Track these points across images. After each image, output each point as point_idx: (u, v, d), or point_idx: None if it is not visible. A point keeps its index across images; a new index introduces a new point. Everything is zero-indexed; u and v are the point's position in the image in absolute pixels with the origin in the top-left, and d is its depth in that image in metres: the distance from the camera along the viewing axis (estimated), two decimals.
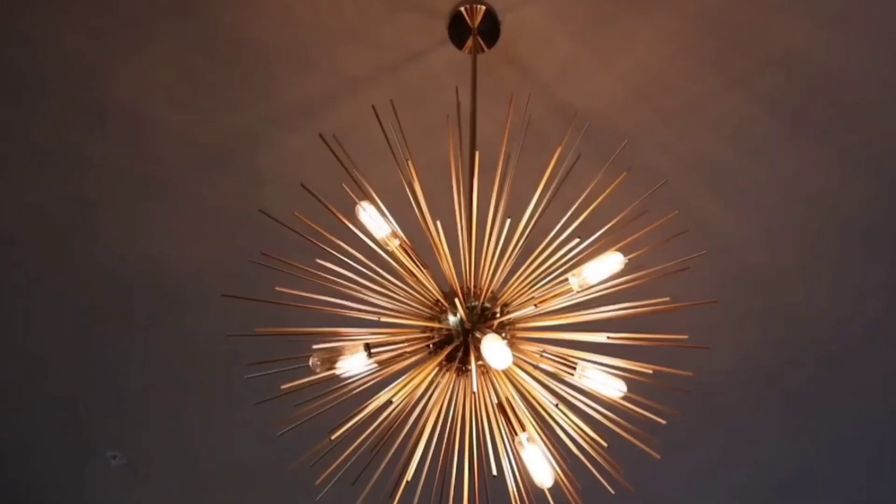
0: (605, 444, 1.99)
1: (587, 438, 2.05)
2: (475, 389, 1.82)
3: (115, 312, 3.56)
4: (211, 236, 3.22)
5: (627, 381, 2.06)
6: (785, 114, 2.77)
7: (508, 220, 1.88)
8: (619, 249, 1.98)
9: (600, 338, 1.97)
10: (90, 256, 3.34)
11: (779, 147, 2.86)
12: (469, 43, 2.58)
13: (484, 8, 2.53)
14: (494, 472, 1.97)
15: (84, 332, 3.67)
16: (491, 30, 2.57)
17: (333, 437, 1.93)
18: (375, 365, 2.00)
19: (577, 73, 2.70)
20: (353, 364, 1.96)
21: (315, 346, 1.89)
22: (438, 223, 1.89)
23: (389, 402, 1.97)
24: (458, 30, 2.59)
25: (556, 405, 1.95)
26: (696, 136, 2.85)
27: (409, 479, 1.94)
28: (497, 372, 2.02)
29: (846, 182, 2.95)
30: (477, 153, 1.91)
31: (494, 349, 1.80)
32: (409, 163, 1.92)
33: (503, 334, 1.97)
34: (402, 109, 2.06)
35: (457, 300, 1.90)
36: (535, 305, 1.91)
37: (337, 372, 1.98)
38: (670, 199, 2.93)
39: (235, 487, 4.62)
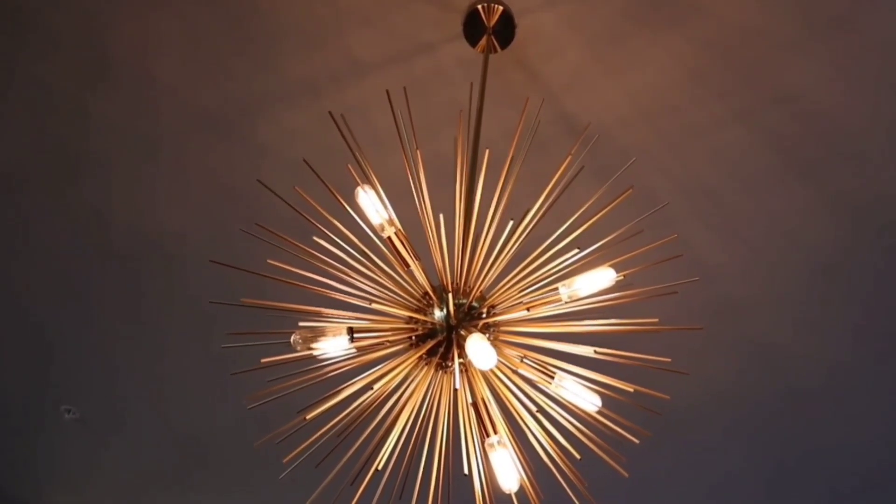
0: (577, 457, 2.00)
1: (557, 449, 2.05)
2: (457, 386, 1.82)
3: (91, 263, 3.49)
4: (201, 202, 3.18)
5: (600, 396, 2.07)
6: (782, 152, 2.80)
7: (511, 222, 1.87)
8: (611, 266, 1.99)
9: (587, 351, 1.98)
10: (75, 205, 3.27)
11: (771, 183, 2.89)
12: (483, 41, 2.57)
13: (501, 8, 2.53)
14: (465, 470, 1.96)
15: (60, 280, 3.59)
16: (505, 31, 2.57)
17: (308, 417, 1.91)
18: (354, 350, 1.98)
19: (584, 84, 2.71)
20: (333, 346, 1.94)
21: (302, 324, 1.87)
22: (441, 216, 1.88)
23: (366, 388, 1.96)
24: (472, 27, 2.58)
25: (537, 411, 1.95)
26: (693, 162, 2.87)
27: (380, 467, 1.94)
28: (475, 372, 2.01)
29: (829, 226, 2.99)
30: (487, 151, 1.91)
31: (479, 349, 1.80)
32: (418, 152, 1.90)
33: (487, 335, 1.96)
34: (403, 103, 2.04)
35: (447, 295, 1.90)
36: (528, 309, 1.91)
37: (315, 353, 1.96)
38: (660, 221, 2.95)
39: (192, 453, 4.55)
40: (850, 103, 2.65)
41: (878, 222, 2.96)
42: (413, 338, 2.01)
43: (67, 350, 3.96)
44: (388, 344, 1.99)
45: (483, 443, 2.01)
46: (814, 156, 2.80)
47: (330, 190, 1.95)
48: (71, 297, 3.67)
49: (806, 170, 2.84)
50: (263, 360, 1.93)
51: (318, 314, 1.96)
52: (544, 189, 2.00)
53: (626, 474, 2.06)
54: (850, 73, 2.58)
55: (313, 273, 2.02)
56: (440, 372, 2.04)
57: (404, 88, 2.06)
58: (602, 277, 1.99)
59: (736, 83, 2.66)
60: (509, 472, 1.99)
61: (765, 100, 2.68)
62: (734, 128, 2.76)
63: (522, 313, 1.94)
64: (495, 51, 2.60)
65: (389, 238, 1.97)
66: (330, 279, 2.01)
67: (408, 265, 1.94)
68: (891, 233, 2.99)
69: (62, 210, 3.29)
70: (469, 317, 2.01)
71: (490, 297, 2.05)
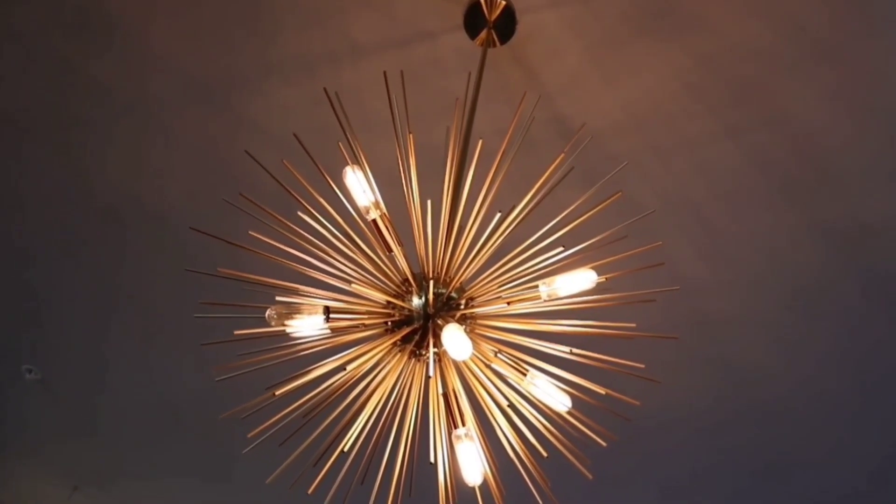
0: (544, 455, 1.99)
1: (523, 447, 2.05)
2: (431, 374, 1.80)
3: (70, 223, 3.43)
4: (184, 171, 3.14)
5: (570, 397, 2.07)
6: (769, 172, 2.82)
7: (498, 215, 1.86)
8: (593, 268, 1.98)
9: (563, 350, 1.97)
10: (60, 162, 3.21)
11: (755, 202, 2.91)
12: (482, 35, 2.56)
13: (504, 3, 2.52)
14: (432, 459, 1.95)
15: (33, 237, 3.53)
16: (506, 26, 2.56)
17: (277, 393, 1.89)
18: (328, 331, 1.96)
19: (579, 87, 2.71)
20: (307, 324, 1.92)
21: (279, 299, 1.85)
22: (429, 201, 1.87)
23: (337, 370, 1.94)
24: (473, 19, 2.57)
25: (508, 406, 1.94)
26: (681, 175, 2.88)
27: (346, 449, 1.92)
28: (449, 362, 2.00)
29: (809, 249, 3.02)
30: (480, 141, 1.89)
31: (456, 339, 1.79)
32: (410, 137, 1.89)
33: (464, 327, 1.95)
34: (399, 87, 2.02)
35: (428, 283, 1.88)
36: (508, 304, 1.90)
37: (288, 329, 1.94)
38: (643, 229, 2.95)
39: (148, 420, 4.50)
40: (838, 129, 2.68)
41: (857, 249, 2.99)
42: (389, 323, 2.00)
43: (34, 308, 3.89)
44: (364, 327, 1.97)
45: (450, 434, 2.01)
46: (799, 178, 2.82)
47: (318, 167, 1.94)
48: (42, 255, 3.60)
49: (790, 192, 2.86)
50: (237, 332, 1.90)
51: (296, 290, 1.94)
52: (529, 187, 2.00)
53: (590, 476, 2.06)
54: (840, 100, 2.61)
55: (294, 249, 2.00)
56: (413, 360, 2.02)
57: (401, 72, 2.05)
58: (583, 279, 1.98)
59: (729, 100, 2.67)
60: (474, 466, 1.98)
61: (756, 119, 2.69)
62: (724, 144, 2.77)
63: (501, 307, 1.93)
64: (494, 45, 2.59)
65: (374, 221, 1.96)
66: (310, 257, 1.99)
67: (390, 249, 1.93)
68: (868, 259, 3.02)
69: (47, 166, 3.23)
70: (447, 307, 1.99)
71: (469, 289, 2.04)
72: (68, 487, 5.06)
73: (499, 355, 1.98)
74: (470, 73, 2.28)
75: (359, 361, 1.95)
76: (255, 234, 1.98)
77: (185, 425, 4.42)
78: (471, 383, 2.04)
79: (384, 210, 1.96)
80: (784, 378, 3.55)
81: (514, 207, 1.99)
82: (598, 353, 2.08)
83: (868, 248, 2.99)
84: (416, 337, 1.97)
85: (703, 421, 3.81)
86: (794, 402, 3.66)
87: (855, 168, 2.76)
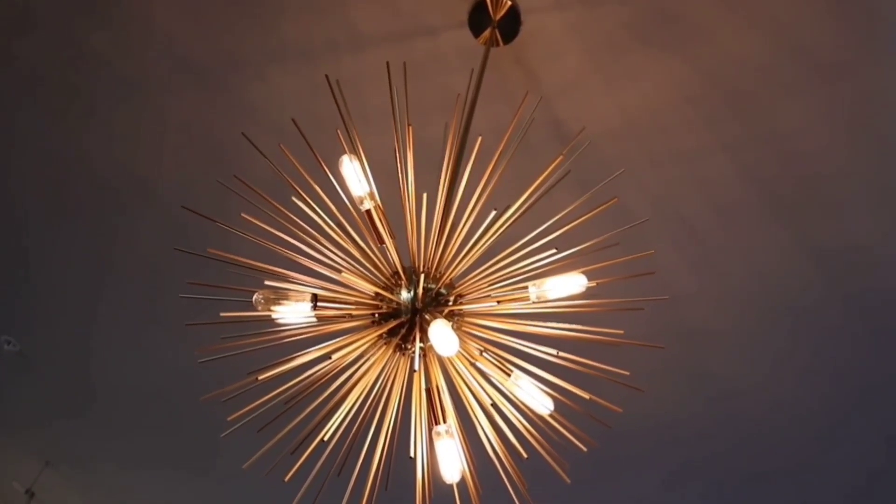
0: (524, 456, 1.99)
1: (503, 447, 2.04)
2: (416, 368, 1.80)
3: (61, 196, 3.39)
4: (178, 150, 3.11)
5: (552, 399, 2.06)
6: (762, 189, 2.83)
7: (494, 212, 1.86)
8: (582, 273, 1.98)
9: (550, 352, 1.97)
10: (53, 132, 3.17)
11: (748, 218, 2.92)
12: (486, 33, 2.56)
13: (510, 3, 2.52)
14: (412, 454, 1.94)
15: (22, 206, 3.48)
16: (510, 27, 2.56)
17: (260, 378, 1.88)
18: (314, 319, 1.95)
19: (579, 92, 2.71)
20: (293, 311, 1.91)
21: (268, 283, 1.83)
22: (425, 195, 1.86)
23: (321, 359, 1.93)
24: (478, 18, 2.56)
25: (491, 405, 1.93)
26: (674, 185, 2.88)
27: (326, 438, 1.91)
28: (433, 358, 2.00)
29: (796, 268, 3.04)
30: (480, 138, 1.89)
31: (443, 335, 1.78)
32: (410, 129, 1.88)
33: (451, 323, 1.94)
34: (400, 79, 2.02)
35: (418, 277, 1.88)
36: (498, 302, 1.89)
37: (273, 315, 1.92)
38: (633, 236, 2.96)
39: (128, 402, 4.45)
40: (833, 150, 2.69)
41: (843, 270, 3.01)
42: (376, 315, 1.99)
43: (20, 277, 3.84)
44: (350, 317, 1.96)
45: (431, 430, 2.00)
46: (791, 197, 2.83)
47: (314, 154, 1.92)
48: (34, 222, 3.55)
49: (781, 209, 2.87)
50: (223, 314, 1.89)
51: (284, 276, 1.93)
52: (522, 187, 2.00)
53: (568, 480, 2.06)
54: (838, 122, 2.62)
55: (286, 235, 1.99)
56: (398, 353, 2.01)
57: (404, 64, 2.04)
58: (573, 283, 1.98)
59: (727, 114, 2.68)
60: (453, 463, 1.97)
61: (752, 135, 2.70)
62: (719, 157, 2.78)
63: (489, 305, 1.93)
64: (497, 45, 2.59)
65: (368, 212, 1.95)
66: (301, 244, 1.98)
67: (382, 241, 1.92)
68: (852, 281, 3.04)
69: (43, 132, 3.18)
70: (435, 302, 1.99)
71: (459, 285, 2.03)
72: (40, 462, 5.00)
73: (484, 354, 1.98)
74: (473, 70, 2.27)
75: (344, 351, 1.94)
76: (248, 217, 1.96)
77: (167, 409, 4.38)
78: (454, 380, 2.03)
79: (378, 201, 1.95)
80: (762, 392, 3.57)
81: (508, 207, 1.98)
82: (581, 358, 2.08)
83: (853, 269, 3.01)
84: (403, 330, 1.96)
85: (678, 430, 3.82)
86: (770, 416, 3.68)
87: (846, 190, 2.78)
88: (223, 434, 1.96)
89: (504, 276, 2.00)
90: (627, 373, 2.03)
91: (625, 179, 2.87)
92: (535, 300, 1.97)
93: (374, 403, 2.03)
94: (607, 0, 2.51)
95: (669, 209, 2.95)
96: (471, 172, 2.01)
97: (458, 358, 2.01)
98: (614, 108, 2.73)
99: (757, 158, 2.75)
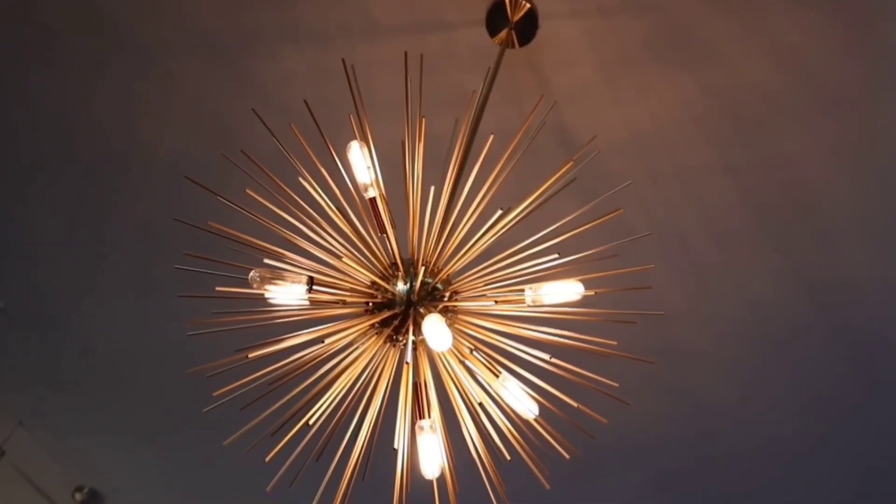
0: (508, 458, 1.99)
1: (485, 448, 2.04)
2: (408, 360, 1.79)
3: (60, 158, 3.34)
4: (182, 120, 3.07)
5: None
6: (761, 214, 2.85)
7: (499, 212, 1.86)
8: (579, 281, 1.99)
9: (542, 356, 1.97)
10: (57, 88, 3.12)
11: (743, 243, 2.94)
12: (502, 34, 2.56)
13: (528, 6, 2.52)
14: (395, 445, 1.94)
15: (17, 166, 3.43)
16: (527, 29, 2.56)
17: (250, 356, 1.87)
18: (308, 303, 1.94)
19: (588, 101, 2.71)
20: (287, 293, 1.90)
21: (266, 261, 1.82)
22: (432, 188, 1.86)
23: (311, 342, 1.92)
24: (496, 17, 2.56)
25: (479, 404, 1.93)
26: (674, 203, 2.89)
27: (311, 422, 1.90)
28: (423, 352, 1.99)
29: (787, 296, 3.06)
30: (492, 136, 1.89)
31: (437, 329, 1.78)
32: (422, 121, 1.88)
33: (445, 319, 1.94)
34: (413, 71, 2.01)
35: (416, 270, 1.87)
36: (496, 302, 1.89)
37: (267, 295, 1.91)
38: (628, 249, 2.95)
39: (108, 370, 4.38)
40: (834, 182, 2.71)
41: (832, 302, 3.03)
42: (370, 304, 1.98)
43: (7, 232, 3.77)
44: (344, 304, 1.95)
45: (414, 424, 2.00)
46: (789, 225, 2.85)
47: (323, 136, 1.91)
48: (25, 185, 3.50)
49: (778, 237, 2.89)
50: (218, 289, 1.87)
51: (281, 256, 1.92)
52: (522, 188, 2.00)
53: (548, 486, 2.06)
54: (841, 154, 2.64)
55: (287, 215, 1.98)
56: (388, 344, 2.01)
57: (421, 56, 2.04)
58: (570, 290, 1.99)
59: (732, 137, 2.69)
60: (433, 459, 1.97)
61: (755, 159, 2.72)
62: (720, 179, 2.79)
63: (484, 304, 1.93)
64: (512, 46, 2.58)
65: (372, 199, 1.94)
66: (302, 226, 1.97)
67: (384, 230, 1.91)
68: (839, 313, 3.07)
69: (47, 88, 3.13)
70: (431, 296, 1.98)
71: (455, 282, 2.03)
72: (13, 422, 4.92)
73: (474, 352, 1.97)
74: (489, 69, 2.27)
75: (335, 337, 1.93)
76: (252, 193, 1.95)
77: (152, 381, 4.31)
78: (442, 376, 2.03)
79: (382, 190, 1.94)
80: (737, 413, 3.59)
81: (510, 209, 1.98)
82: (571, 366, 2.09)
83: (842, 302, 3.04)
84: (396, 322, 1.96)
85: (655, 443, 3.84)
86: (743, 438, 3.71)
87: (846, 223, 2.80)
88: (206, 409, 1.95)
89: (502, 277, 2.00)
90: (617, 384, 2.03)
91: (625, 192, 2.87)
92: (531, 304, 1.97)
93: (359, 392, 2.03)
94: (624, 13, 2.51)
95: (667, 226, 2.96)
96: (476, 170, 2.00)
97: (448, 354, 2.01)
98: (621, 120, 2.74)
99: (759, 183, 2.77)
